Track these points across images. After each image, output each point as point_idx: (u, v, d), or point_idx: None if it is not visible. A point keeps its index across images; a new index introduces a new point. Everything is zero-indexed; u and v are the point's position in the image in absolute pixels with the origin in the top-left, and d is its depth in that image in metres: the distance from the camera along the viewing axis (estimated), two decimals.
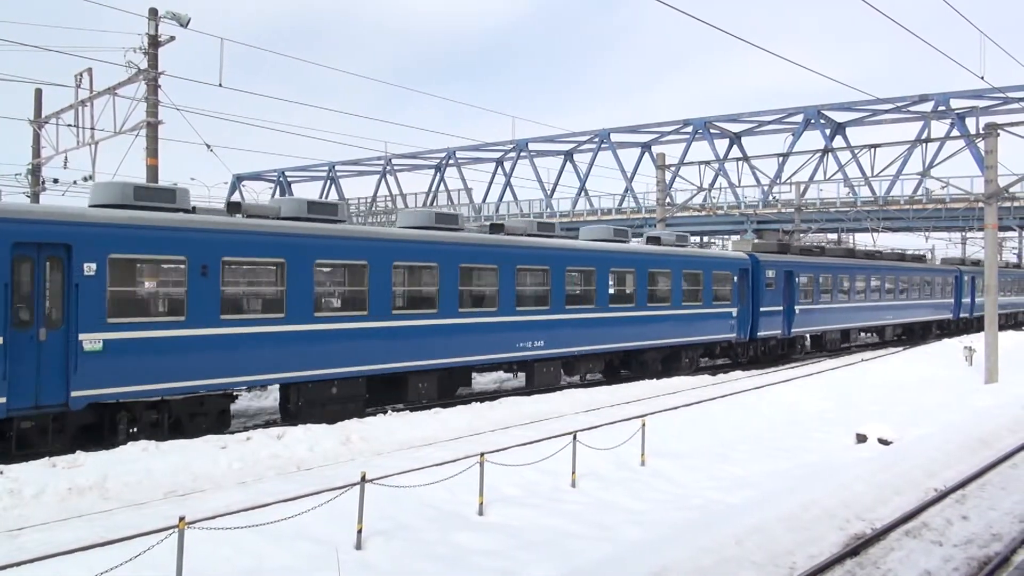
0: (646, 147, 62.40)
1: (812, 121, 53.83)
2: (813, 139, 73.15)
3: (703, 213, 49.99)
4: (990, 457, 13.70)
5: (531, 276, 19.79)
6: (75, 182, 26.79)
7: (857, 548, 9.08)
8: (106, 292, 12.22)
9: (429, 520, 9.57)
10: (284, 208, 15.73)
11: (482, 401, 18.17)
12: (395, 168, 74.83)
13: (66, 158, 26.37)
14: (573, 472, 11.54)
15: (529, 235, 20.47)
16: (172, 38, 21.86)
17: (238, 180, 76.52)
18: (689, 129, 58.79)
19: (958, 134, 42.58)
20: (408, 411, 16.44)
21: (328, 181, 77.75)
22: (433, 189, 71.69)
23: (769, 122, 57.66)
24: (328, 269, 15.85)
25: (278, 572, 7.92)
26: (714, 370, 26.69)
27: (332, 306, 15.90)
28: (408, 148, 69.45)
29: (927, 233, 59.95)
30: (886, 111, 52.59)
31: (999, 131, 24.07)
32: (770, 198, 52.05)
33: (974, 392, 21.74)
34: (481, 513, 10.02)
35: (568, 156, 66.07)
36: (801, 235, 45.34)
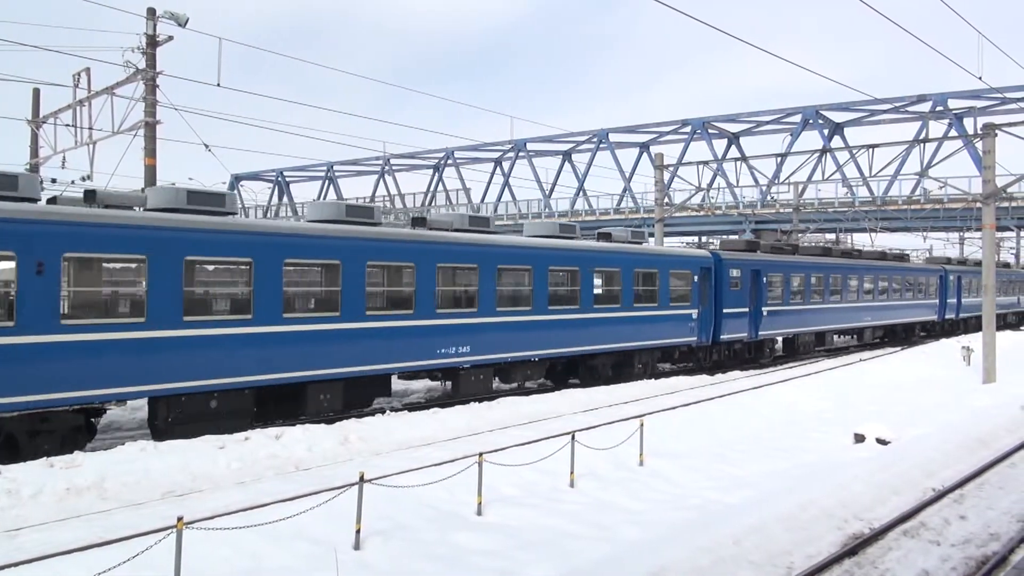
0: (644, 147, 62.51)
1: (810, 121, 53.91)
2: (811, 139, 73.27)
3: (701, 213, 50.02)
4: (988, 457, 13.71)
5: (457, 275, 18.08)
6: (73, 182, 26.75)
7: (855, 548, 9.09)
8: None
9: (428, 520, 9.57)
10: (154, 199, 13.95)
11: (480, 401, 18.17)
12: (393, 168, 74.89)
13: (64, 158, 26.37)
14: (571, 472, 11.54)
15: (456, 230, 18.68)
16: (170, 38, 21.85)
17: (236, 180, 76.53)
18: (687, 129, 58.86)
19: (956, 134, 42.64)
20: (407, 411, 16.41)
21: (326, 181, 77.76)
22: (431, 189, 71.73)
23: (767, 122, 57.75)
24: (210, 267, 14.33)
25: (276, 572, 7.92)
26: (674, 374, 25.03)
27: (210, 309, 14.14)
28: (406, 148, 69.58)
29: (925, 233, 60.11)
30: (884, 111, 52.69)
31: (997, 131, 24.11)
32: (768, 198, 52.14)
33: (972, 392, 21.76)
34: (480, 513, 10.03)
35: (566, 156, 66.12)
36: (799, 235, 45.32)
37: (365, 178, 78.34)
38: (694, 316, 25.00)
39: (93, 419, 13.02)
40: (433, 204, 70.22)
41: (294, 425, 14.03)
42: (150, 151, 21.83)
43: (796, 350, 31.89)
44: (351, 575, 7.96)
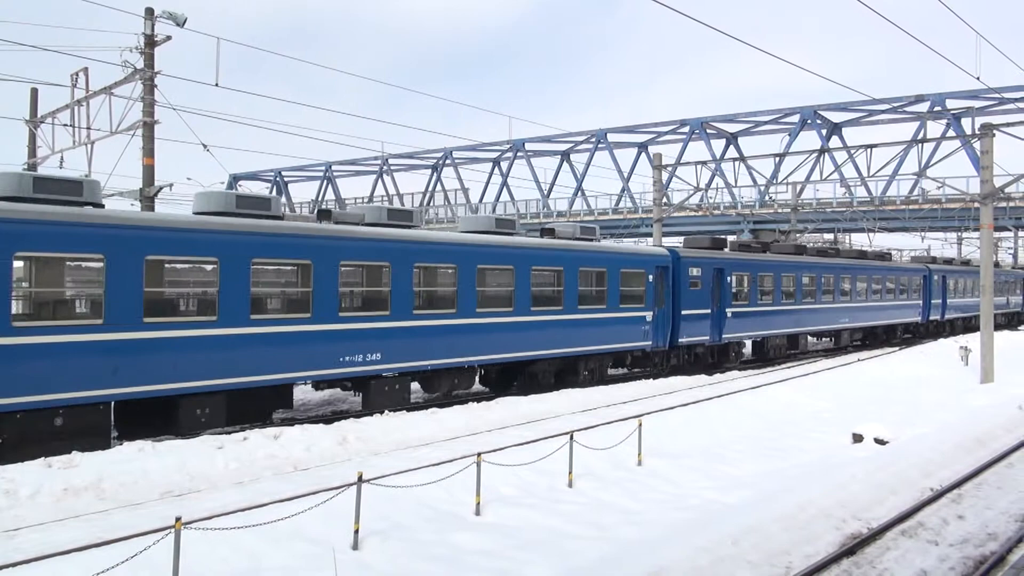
0: (643, 147, 62.48)
1: (808, 121, 53.91)
2: (809, 139, 73.47)
3: (700, 213, 50.03)
4: (986, 457, 13.73)
5: (365, 275, 16.45)
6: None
7: (853, 548, 9.10)
8: None
9: (426, 520, 9.57)
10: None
11: (479, 401, 18.16)
12: (392, 168, 74.81)
13: (62, 158, 26.33)
14: (570, 472, 11.55)
15: (367, 225, 17.05)
16: (168, 38, 21.82)
17: (235, 180, 76.43)
18: (686, 129, 58.85)
19: (954, 134, 42.64)
20: (405, 411, 16.41)
21: (325, 181, 77.73)
22: (430, 189, 71.73)
23: (766, 122, 57.76)
24: (50, 265, 12.29)
25: (275, 572, 7.92)
26: (626, 380, 23.10)
27: (48, 314, 12.26)
28: (405, 148, 69.52)
29: (923, 233, 60.16)
30: (882, 111, 52.71)
31: (995, 131, 24.15)
32: (766, 198, 52.13)
33: (970, 392, 21.81)
34: (478, 513, 10.03)
35: (565, 156, 66.07)
36: (797, 235, 45.32)
37: (363, 178, 78.35)
38: (648, 319, 23.24)
39: None
40: (432, 204, 70.27)
41: (292, 425, 14.00)
42: (148, 151, 21.80)
43: (766, 354, 29.88)
44: (349, 575, 7.96)
